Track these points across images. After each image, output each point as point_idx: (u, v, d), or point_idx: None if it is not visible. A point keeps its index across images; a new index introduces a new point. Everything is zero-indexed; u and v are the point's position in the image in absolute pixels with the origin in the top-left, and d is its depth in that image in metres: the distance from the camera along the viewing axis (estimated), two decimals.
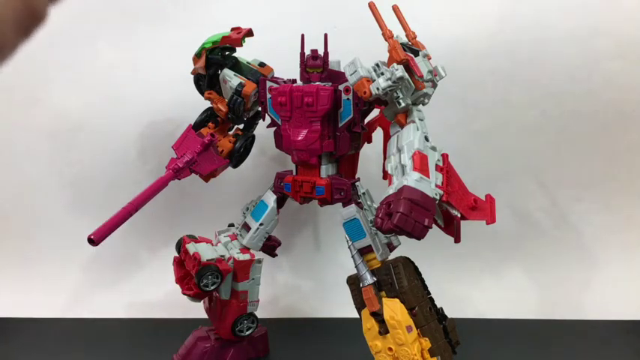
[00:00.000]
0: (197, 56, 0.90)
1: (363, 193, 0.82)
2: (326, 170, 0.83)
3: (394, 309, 0.73)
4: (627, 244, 1.18)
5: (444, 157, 0.73)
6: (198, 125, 0.92)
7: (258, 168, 1.17)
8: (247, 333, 0.93)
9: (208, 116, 0.92)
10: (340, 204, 0.82)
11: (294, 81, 0.85)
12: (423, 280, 0.79)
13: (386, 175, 0.74)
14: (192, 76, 0.93)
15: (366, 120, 0.85)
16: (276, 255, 0.97)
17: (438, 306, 0.78)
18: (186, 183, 0.91)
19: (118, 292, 1.22)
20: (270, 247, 0.94)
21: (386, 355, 0.75)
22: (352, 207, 0.80)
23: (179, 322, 1.11)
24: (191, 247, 0.86)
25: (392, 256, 0.80)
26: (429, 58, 0.78)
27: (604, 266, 1.18)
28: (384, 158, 0.80)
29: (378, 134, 0.89)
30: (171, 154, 0.89)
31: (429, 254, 0.92)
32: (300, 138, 0.79)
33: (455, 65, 0.88)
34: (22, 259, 1.26)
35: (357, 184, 0.82)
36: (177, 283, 0.88)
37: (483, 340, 1.00)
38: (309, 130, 0.79)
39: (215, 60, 0.89)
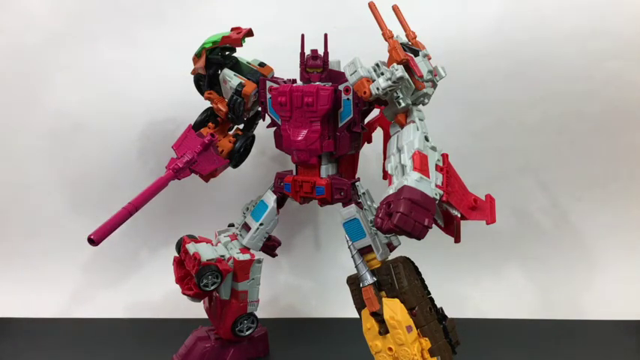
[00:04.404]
0: (197, 56, 0.90)
1: (363, 193, 0.81)
2: (326, 170, 0.83)
3: (394, 309, 0.73)
4: (627, 244, 1.18)
5: (444, 157, 0.73)
6: (198, 125, 0.92)
7: (258, 168, 1.17)
8: (247, 333, 0.93)
9: (208, 116, 0.92)
10: (340, 204, 0.82)
11: (294, 81, 0.85)
12: (423, 280, 0.79)
13: (386, 175, 0.74)
14: (192, 76, 0.93)
15: (366, 120, 0.85)
16: (276, 255, 0.97)
17: (438, 306, 0.78)
18: (186, 183, 0.91)
19: (118, 292, 1.22)
20: (270, 247, 0.94)
21: (386, 355, 0.74)
22: (352, 207, 0.80)
23: (179, 322, 1.11)
24: (191, 247, 0.86)
25: (392, 256, 0.80)
26: (429, 58, 0.78)
27: (604, 266, 1.18)
28: (384, 158, 0.80)
29: (378, 134, 0.89)
30: (171, 154, 0.89)
31: (429, 254, 0.92)
32: (300, 138, 0.79)
33: (455, 65, 0.88)
34: (22, 260, 1.26)
35: (357, 184, 0.82)
36: (177, 283, 0.88)
37: (483, 340, 1.00)
38: (309, 130, 0.79)
39: (215, 60, 0.89)
